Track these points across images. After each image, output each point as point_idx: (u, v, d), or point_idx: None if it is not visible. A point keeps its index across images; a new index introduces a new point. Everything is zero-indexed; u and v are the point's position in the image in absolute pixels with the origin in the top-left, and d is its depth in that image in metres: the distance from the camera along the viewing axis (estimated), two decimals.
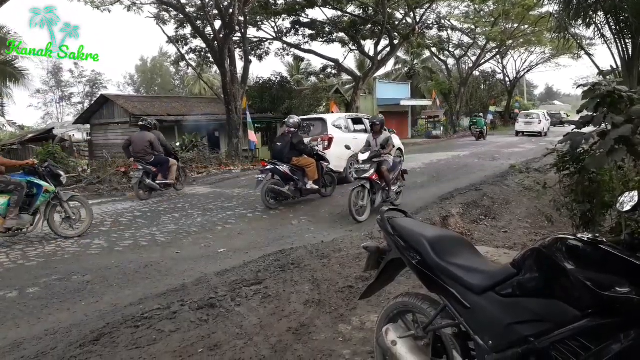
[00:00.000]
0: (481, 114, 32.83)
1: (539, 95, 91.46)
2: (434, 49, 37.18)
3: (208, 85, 30.30)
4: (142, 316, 4.35)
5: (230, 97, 20.39)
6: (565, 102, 77.40)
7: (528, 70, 48.53)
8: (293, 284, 4.98)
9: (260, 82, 29.35)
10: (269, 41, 27.48)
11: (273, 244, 7.10)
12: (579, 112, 4.83)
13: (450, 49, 38.44)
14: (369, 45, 28.55)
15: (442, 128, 35.96)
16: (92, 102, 31.61)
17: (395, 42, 26.46)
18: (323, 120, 12.69)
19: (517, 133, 31.94)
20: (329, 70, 29.41)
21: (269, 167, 9.78)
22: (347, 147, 10.07)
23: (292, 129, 10.09)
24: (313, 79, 34.93)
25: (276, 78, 28.79)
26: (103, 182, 14.54)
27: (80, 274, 5.92)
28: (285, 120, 10.44)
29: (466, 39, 38.03)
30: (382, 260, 2.87)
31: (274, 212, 9.58)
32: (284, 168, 9.82)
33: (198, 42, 24.96)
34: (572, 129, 4.80)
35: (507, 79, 48.07)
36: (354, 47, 28.52)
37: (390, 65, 46.09)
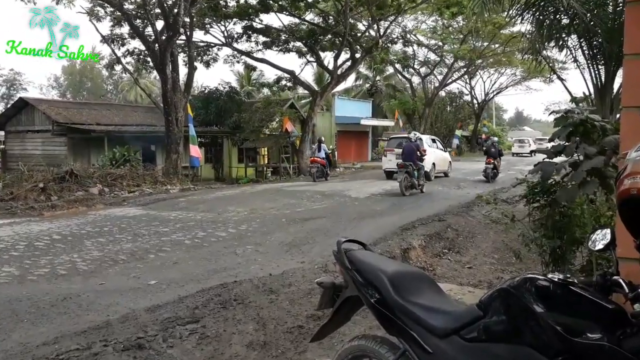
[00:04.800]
0: (491, 138, 43.58)
1: (508, 120, 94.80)
2: (398, 65, 38.14)
3: (145, 93, 29.88)
4: (56, 358, 4.17)
5: (171, 106, 20.17)
6: (536, 128, 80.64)
7: (497, 93, 50.48)
8: (235, 322, 4.91)
9: (206, 91, 29.20)
10: (217, 47, 27.48)
11: (213, 276, 6.99)
12: (550, 140, 5.04)
13: (416, 66, 39.60)
14: (328, 57, 29.01)
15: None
16: (9, 105, 30.53)
17: (357, 55, 26.99)
18: (420, 139, 19.92)
19: (513, 154, 43.37)
20: (284, 82, 29.60)
21: (491, 163, 20.08)
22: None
23: (496, 143, 21.85)
24: (266, 91, 35.05)
25: (224, 88, 28.73)
26: (17, 198, 13.99)
27: None
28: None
29: (433, 56, 39.34)
30: (338, 298, 2.87)
31: (215, 239, 9.47)
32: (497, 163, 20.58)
33: (137, 44, 24.68)
34: (543, 159, 5.00)
35: (475, 101, 49.68)
36: (311, 59, 28.87)
37: (350, 81, 46.86)
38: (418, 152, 16.42)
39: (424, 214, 11.73)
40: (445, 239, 9.27)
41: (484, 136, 49.85)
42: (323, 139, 23.80)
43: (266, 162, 28.48)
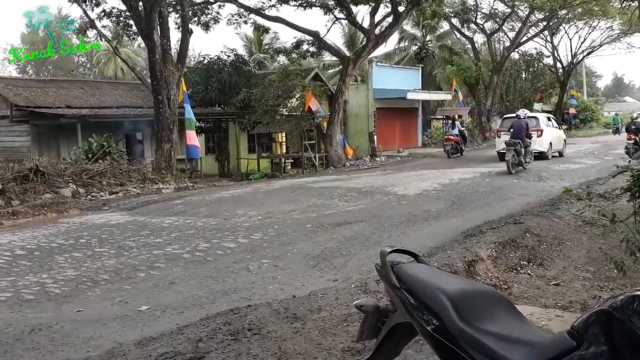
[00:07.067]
0: (619, 112, 45.37)
1: (603, 89, 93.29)
2: (455, 21, 37.70)
3: (128, 65, 30.21)
4: None
5: (161, 82, 20.32)
6: None
7: (588, 53, 49.52)
8: (250, 359, 4.94)
9: (205, 61, 29.36)
10: (218, 3, 27.58)
11: (221, 299, 7.04)
12: None
13: (479, 21, 39.00)
14: (362, 12, 28.92)
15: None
16: None
17: (401, 9, 26.82)
18: (537, 118, 25.74)
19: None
20: (306, 47, 29.55)
21: (632, 139, 22.96)
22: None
23: (637, 120, 26.87)
24: (282, 59, 35.08)
25: (228, 56, 28.88)
26: None
27: None
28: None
29: (501, 7, 38.69)
30: (383, 326, 2.87)
31: (222, 252, 9.52)
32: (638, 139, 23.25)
33: (115, 2, 24.95)
34: None
35: (559, 64, 48.85)
36: (341, 15, 28.78)
37: (392, 43, 46.62)
38: (527, 130, 20.78)
39: (493, 215, 11.62)
40: (523, 248, 9.16)
41: (571, 110, 49.10)
42: (457, 116, 31.59)
43: (284, 151, 28.57)
